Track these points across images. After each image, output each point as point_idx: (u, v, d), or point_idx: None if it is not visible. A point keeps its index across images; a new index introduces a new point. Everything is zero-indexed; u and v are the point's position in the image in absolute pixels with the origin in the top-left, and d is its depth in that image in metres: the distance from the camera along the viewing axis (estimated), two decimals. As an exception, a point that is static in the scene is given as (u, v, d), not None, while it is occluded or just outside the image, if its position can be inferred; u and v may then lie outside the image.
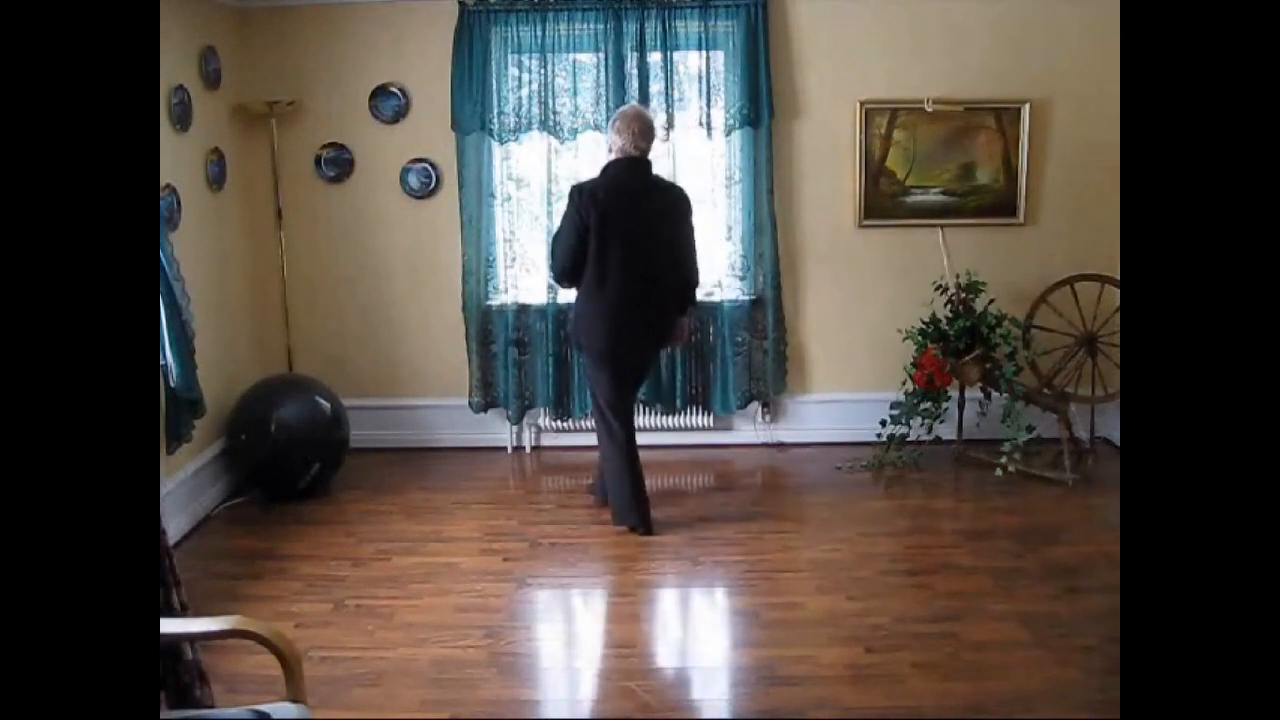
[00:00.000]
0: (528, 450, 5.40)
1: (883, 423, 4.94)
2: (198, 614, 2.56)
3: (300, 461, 4.60)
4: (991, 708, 2.93)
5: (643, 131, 3.98)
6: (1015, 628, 3.39)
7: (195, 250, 4.45)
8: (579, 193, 3.96)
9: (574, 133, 5.04)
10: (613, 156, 4.04)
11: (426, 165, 5.16)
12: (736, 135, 5.02)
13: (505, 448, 5.38)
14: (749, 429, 5.39)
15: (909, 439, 4.94)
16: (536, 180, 5.14)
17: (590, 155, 5.08)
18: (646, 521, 4.16)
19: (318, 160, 5.17)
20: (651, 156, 5.00)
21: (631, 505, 4.16)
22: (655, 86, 4.96)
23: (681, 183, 5.02)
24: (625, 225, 3.92)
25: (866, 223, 5.18)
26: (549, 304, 5.15)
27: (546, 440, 5.41)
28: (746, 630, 3.50)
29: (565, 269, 4.02)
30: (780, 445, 5.37)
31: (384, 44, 5.07)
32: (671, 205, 4.08)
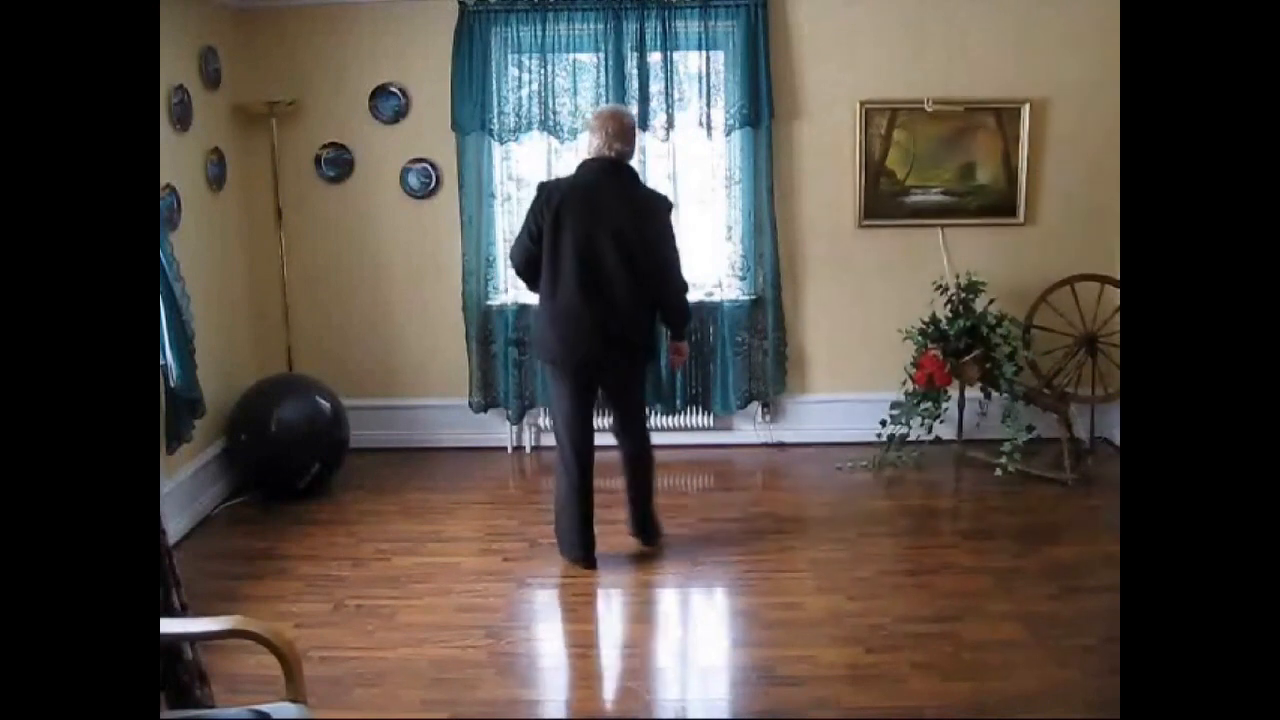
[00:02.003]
0: (528, 450, 5.40)
1: (883, 423, 4.94)
2: (198, 614, 2.56)
3: (300, 461, 4.60)
4: (991, 708, 2.93)
5: (618, 133, 3.71)
6: (1015, 628, 3.39)
7: (195, 250, 4.45)
8: (540, 190, 3.78)
9: (574, 133, 5.03)
10: (587, 156, 3.80)
11: (426, 165, 5.16)
12: (736, 135, 5.02)
13: (505, 448, 5.38)
14: (749, 429, 5.39)
15: (909, 439, 4.94)
16: (536, 180, 5.11)
17: (590, 155, 5.09)
18: (589, 556, 3.90)
19: (318, 160, 5.17)
20: (654, 157, 5.00)
21: (574, 539, 3.89)
22: (655, 86, 4.96)
23: (681, 183, 5.04)
24: (582, 229, 3.63)
25: (866, 223, 5.18)
26: (549, 304, 5.14)
27: (546, 440, 5.40)
28: (746, 630, 3.50)
29: (518, 269, 3.85)
30: (780, 445, 5.37)
31: (384, 44, 5.07)
32: (642, 214, 3.71)
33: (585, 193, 3.69)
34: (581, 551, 3.90)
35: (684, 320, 3.95)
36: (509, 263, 3.97)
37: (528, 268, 3.80)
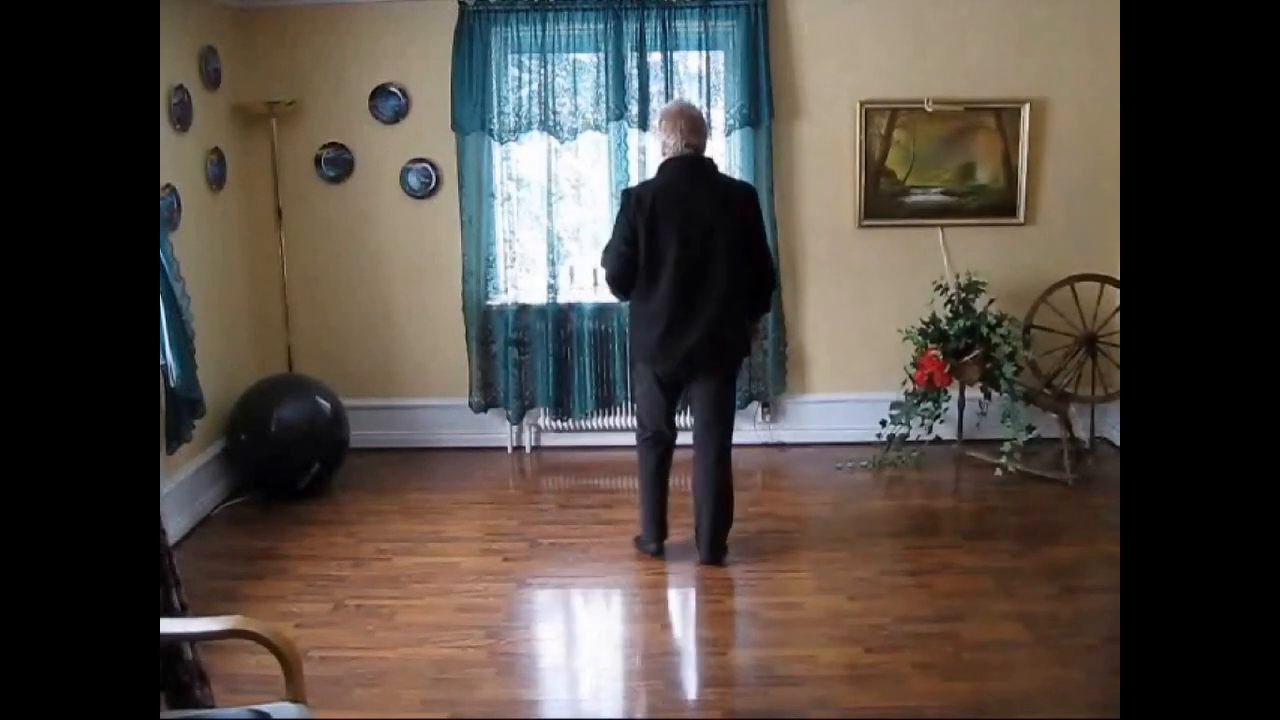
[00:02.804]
0: (528, 450, 5.40)
1: (883, 423, 4.94)
2: (198, 614, 2.56)
3: (300, 461, 4.60)
4: (992, 708, 2.93)
5: (691, 127, 3.74)
6: (1015, 628, 3.39)
7: (195, 250, 4.45)
8: (627, 197, 3.77)
9: (574, 133, 5.04)
10: (666, 156, 3.78)
11: (426, 165, 5.16)
12: (736, 135, 5.02)
13: (505, 448, 5.38)
14: (749, 429, 5.38)
15: (909, 439, 4.94)
16: (536, 180, 5.15)
17: (590, 155, 5.10)
18: (660, 547, 4.03)
19: (318, 160, 5.17)
20: (655, 157, 4.92)
21: (649, 530, 4.01)
22: (655, 86, 4.96)
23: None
24: (675, 229, 3.65)
25: (866, 223, 5.18)
26: (549, 304, 5.15)
27: (546, 440, 5.41)
28: (746, 630, 3.50)
29: (614, 277, 3.82)
30: (780, 445, 5.37)
31: (384, 44, 5.07)
32: (733, 206, 3.73)
33: (674, 194, 3.70)
34: (654, 544, 4.00)
35: (770, 305, 4.07)
36: (603, 274, 3.92)
37: (624, 275, 3.78)
